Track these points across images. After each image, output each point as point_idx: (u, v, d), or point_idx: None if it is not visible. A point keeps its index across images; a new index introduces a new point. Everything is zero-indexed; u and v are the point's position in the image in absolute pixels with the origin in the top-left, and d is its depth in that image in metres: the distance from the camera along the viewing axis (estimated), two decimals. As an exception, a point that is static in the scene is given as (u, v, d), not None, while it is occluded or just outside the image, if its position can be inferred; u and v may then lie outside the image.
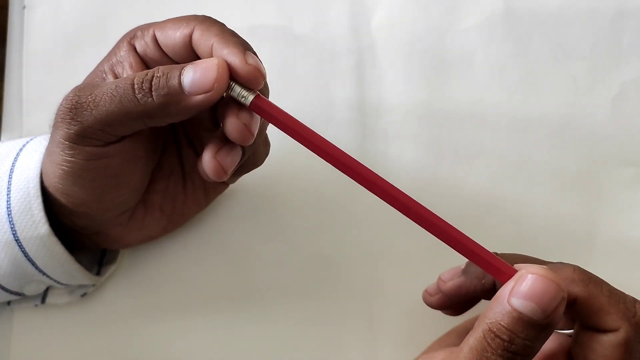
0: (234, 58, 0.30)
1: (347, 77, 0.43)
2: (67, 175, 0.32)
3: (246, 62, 0.30)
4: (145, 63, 0.33)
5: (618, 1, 0.44)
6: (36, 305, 0.39)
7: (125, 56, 0.33)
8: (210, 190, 0.39)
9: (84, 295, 0.39)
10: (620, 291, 0.30)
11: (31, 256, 0.34)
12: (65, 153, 0.31)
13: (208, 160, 0.31)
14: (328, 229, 0.41)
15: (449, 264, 0.34)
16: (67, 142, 0.31)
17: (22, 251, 0.34)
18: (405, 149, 0.42)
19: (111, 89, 0.30)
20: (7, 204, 0.34)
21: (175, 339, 0.39)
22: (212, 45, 0.30)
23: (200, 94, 0.30)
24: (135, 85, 0.30)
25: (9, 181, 0.34)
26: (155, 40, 0.33)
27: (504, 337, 0.26)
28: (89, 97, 0.31)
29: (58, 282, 0.37)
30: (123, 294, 0.40)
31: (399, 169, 0.42)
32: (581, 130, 0.43)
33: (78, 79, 0.42)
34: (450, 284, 0.34)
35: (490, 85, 0.43)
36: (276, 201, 0.41)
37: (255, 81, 0.30)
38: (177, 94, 0.30)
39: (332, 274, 0.40)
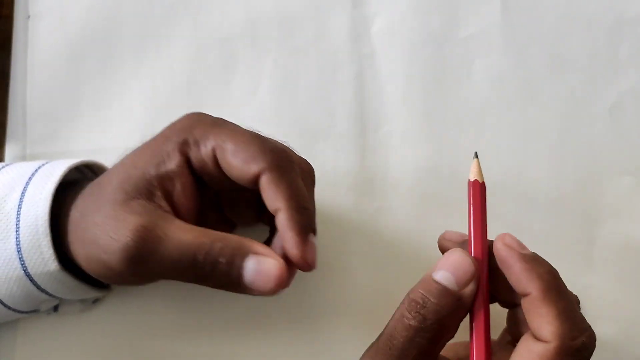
0: (293, 250, 0.31)
1: (348, 87, 0.44)
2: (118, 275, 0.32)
3: (301, 257, 0.31)
4: (197, 174, 0.33)
5: (615, 12, 0.45)
6: (48, 314, 0.39)
7: (177, 172, 0.32)
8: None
9: (95, 302, 0.39)
10: (581, 316, 0.30)
11: (43, 287, 0.34)
12: (125, 276, 0.32)
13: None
14: (331, 238, 0.41)
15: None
16: (128, 278, 0.32)
17: (35, 284, 0.34)
18: (405, 158, 0.43)
19: (172, 258, 0.30)
20: (17, 241, 0.33)
21: (181, 345, 0.39)
22: (278, 214, 0.31)
23: (258, 290, 0.31)
24: (198, 266, 0.30)
25: (17, 217, 0.33)
26: (214, 159, 0.32)
27: (419, 300, 0.30)
28: (155, 256, 0.30)
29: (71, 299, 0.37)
30: (129, 300, 0.40)
31: (398, 178, 0.42)
32: (579, 140, 0.43)
33: (82, 89, 0.43)
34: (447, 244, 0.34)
35: (489, 95, 0.44)
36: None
37: (304, 270, 0.32)
38: (235, 282, 0.31)
39: (334, 283, 0.40)
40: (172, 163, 0.32)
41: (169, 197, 0.32)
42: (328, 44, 0.44)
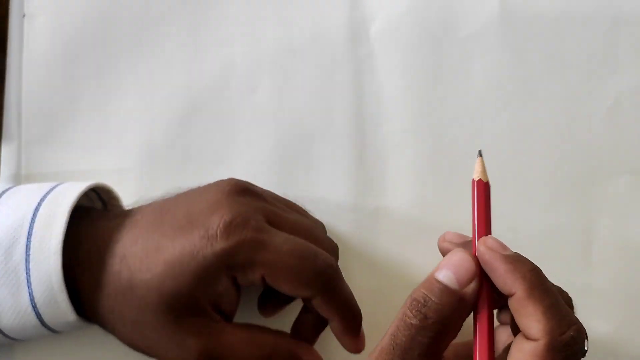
0: (351, 349, 0.36)
1: (346, 88, 0.44)
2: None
3: (356, 351, 0.36)
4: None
5: (614, 11, 0.45)
6: None
7: (226, 293, 0.34)
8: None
9: None
10: (568, 310, 0.30)
11: (60, 330, 0.35)
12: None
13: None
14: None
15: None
16: None
17: (51, 330, 0.34)
18: (403, 158, 0.43)
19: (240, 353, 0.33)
20: (30, 297, 0.33)
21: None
22: (332, 322, 0.35)
23: None
24: None
25: (26, 272, 0.33)
26: (263, 281, 0.33)
27: (420, 299, 0.30)
28: None
29: None
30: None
31: (397, 178, 0.42)
32: (577, 139, 0.43)
33: (78, 88, 0.42)
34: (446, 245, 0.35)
35: (488, 94, 0.44)
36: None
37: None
38: None
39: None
40: (221, 286, 0.33)
41: (217, 308, 0.34)
42: (326, 45, 0.44)
